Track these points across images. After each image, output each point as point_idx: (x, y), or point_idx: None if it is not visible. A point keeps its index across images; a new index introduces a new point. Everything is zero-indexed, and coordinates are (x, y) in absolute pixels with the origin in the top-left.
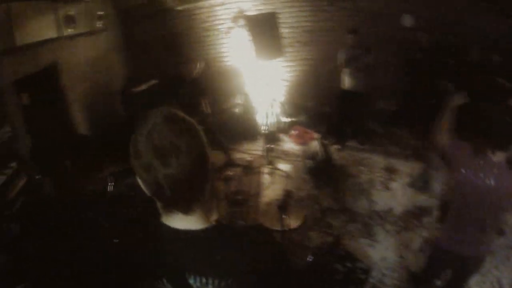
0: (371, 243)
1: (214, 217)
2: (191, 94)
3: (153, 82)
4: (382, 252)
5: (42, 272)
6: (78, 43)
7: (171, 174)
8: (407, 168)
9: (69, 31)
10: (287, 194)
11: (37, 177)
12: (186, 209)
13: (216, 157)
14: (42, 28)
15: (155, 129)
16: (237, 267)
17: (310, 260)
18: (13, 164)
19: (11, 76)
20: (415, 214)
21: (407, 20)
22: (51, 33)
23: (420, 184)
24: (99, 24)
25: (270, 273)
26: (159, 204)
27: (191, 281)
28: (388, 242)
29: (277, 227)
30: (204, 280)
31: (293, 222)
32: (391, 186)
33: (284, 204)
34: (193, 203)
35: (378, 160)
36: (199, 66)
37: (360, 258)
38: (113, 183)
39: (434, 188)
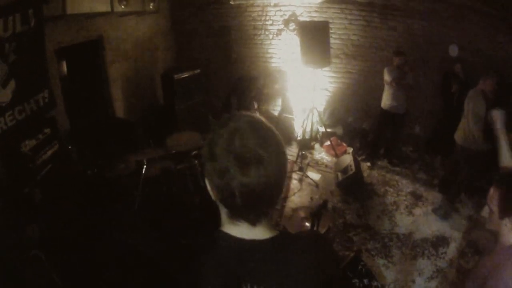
0: (387, 264)
1: None
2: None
3: (197, 71)
4: (395, 274)
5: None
6: (126, 21)
7: (248, 183)
8: (432, 196)
9: (121, 7)
10: (323, 204)
11: (69, 146)
12: (254, 221)
13: None
14: (96, 1)
15: (237, 134)
16: (301, 273)
17: None
18: (47, 130)
19: (56, 44)
20: (433, 243)
21: (454, 51)
22: (103, 7)
23: (441, 213)
24: (151, 6)
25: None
26: (224, 211)
27: None
28: (403, 266)
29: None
30: None
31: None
32: (414, 212)
33: (318, 213)
34: (263, 215)
35: (406, 184)
36: None
37: (376, 277)
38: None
39: (455, 220)
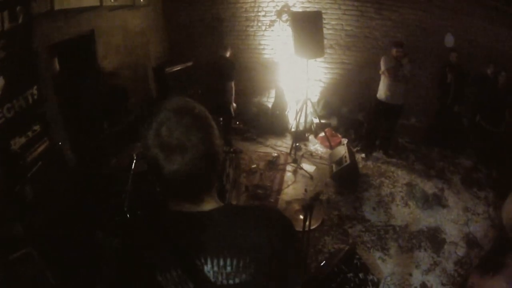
0: (383, 257)
1: None
2: (221, 80)
3: (189, 63)
4: (392, 267)
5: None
6: (117, 15)
7: (176, 170)
8: (427, 188)
9: (111, 1)
10: (315, 196)
11: (59, 143)
12: (194, 200)
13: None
14: None
15: (164, 124)
16: (254, 245)
17: (323, 264)
18: (36, 127)
19: (47, 40)
20: (429, 235)
21: (450, 41)
22: (92, 1)
23: (420, 204)
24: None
25: (284, 250)
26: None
27: (207, 266)
28: (400, 258)
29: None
30: (222, 262)
31: (311, 224)
32: (410, 203)
33: (311, 205)
34: (201, 194)
35: (402, 175)
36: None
37: (372, 270)
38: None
39: (451, 211)
